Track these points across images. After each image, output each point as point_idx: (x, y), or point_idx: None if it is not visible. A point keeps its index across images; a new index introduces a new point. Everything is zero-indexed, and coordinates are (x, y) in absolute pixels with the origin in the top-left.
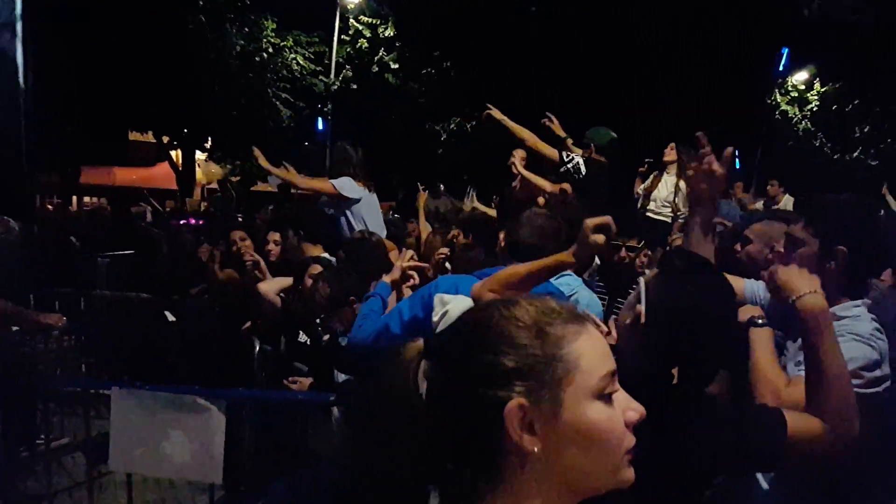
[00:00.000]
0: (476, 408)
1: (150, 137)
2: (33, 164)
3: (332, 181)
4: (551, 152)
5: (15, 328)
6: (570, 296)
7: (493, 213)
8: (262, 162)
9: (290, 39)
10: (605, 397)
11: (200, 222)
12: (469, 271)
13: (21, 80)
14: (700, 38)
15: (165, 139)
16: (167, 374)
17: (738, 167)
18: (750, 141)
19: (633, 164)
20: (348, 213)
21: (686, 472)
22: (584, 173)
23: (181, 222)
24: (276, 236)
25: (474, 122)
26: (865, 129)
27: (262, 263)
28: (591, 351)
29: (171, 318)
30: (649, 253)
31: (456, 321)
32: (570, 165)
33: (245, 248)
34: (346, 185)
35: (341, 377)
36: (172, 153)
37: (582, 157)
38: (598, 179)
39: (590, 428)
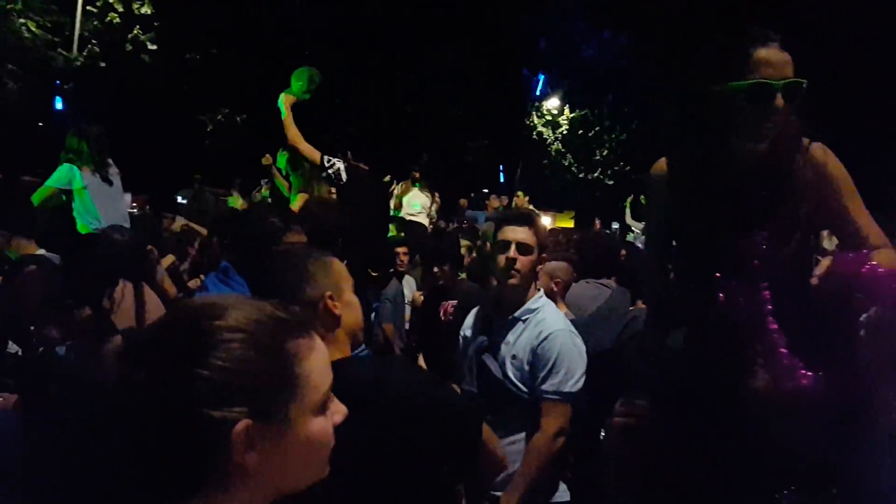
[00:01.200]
0: (193, 428)
1: None
2: None
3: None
4: (313, 154)
5: None
6: None
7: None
8: None
9: (19, 2)
10: (325, 409)
11: None
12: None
13: None
14: (468, 64)
15: None
16: None
17: (502, 181)
18: (512, 158)
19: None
20: (77, 200)
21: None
22: (344, 180)
23: None
24: None
25: (245, 115)
26: (604, 153)
27: None
28: (319, 366)
29: None
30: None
31: (162, 327)
32: (331, 171)
33: None
34: (66, 175)
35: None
36: None
37: (343, 163)
38: (358, 186)
39: (313, 442)
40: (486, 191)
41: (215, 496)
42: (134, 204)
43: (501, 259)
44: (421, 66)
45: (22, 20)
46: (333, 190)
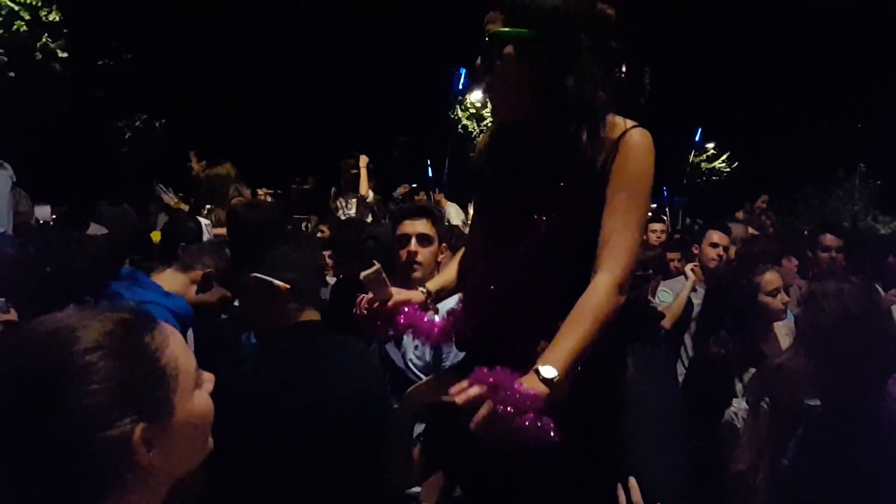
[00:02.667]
0: (92, 452)
1: None
2: None
3: None
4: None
5: None
6: None
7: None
8: None
9: None
10: (199, 384)
11: None
12: None
13: None
14: (394, 59)
15: None
16: None
17: (430, 175)
18: (439, 152)
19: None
20: None
21: None
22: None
23: None
24: None
25: (164, 120)
26: None
27: None
28: (180, 348)
29: None
30: None
31: (17, 369)
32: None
33: None
34: None
35: None
36: None
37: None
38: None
39: (198, 419)
40: (414, 185)
41: (123, 500)
42: (54, 215)
43: (403, 253)
44: (338, 67)
45: None
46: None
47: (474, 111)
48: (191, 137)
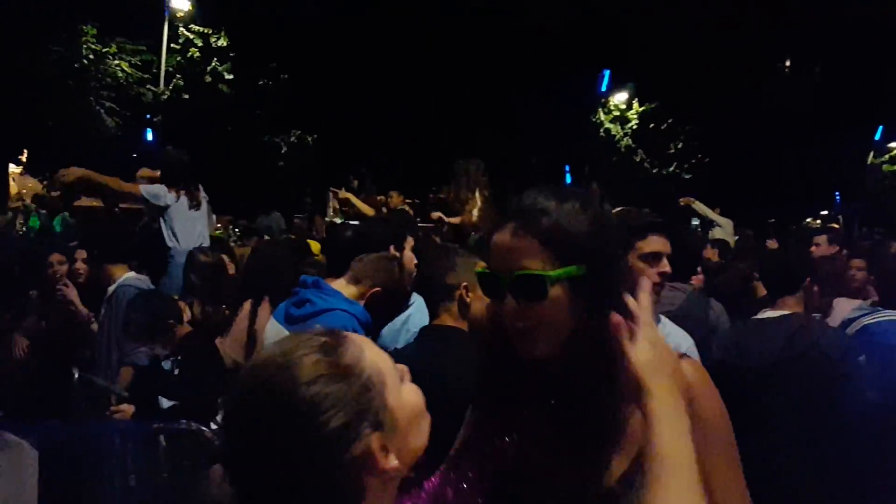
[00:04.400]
0: (335, 474)
1: None
2: None
3: (141, 186)
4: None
5: None
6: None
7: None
8: (74, 174)
9: (114, 46)
10: (402, 379)
11: None
12: None
13: None
14: (529, 61)
15: None
16: None
17: (568, 181)
18: (580, 157)
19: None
20: (161, 221)
21: None
22: None
23: None
24: (84, 254)
25: (315, 136)
26: (679, 146)
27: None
28: (375, 353)
29: None
30: None
31: (249, 418)
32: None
33: (61, 273)
34: (153, 192)
35: (166, 403)
36: None
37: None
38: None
39: (413, 411)
40: None
41: (372, 500)
42: (219, 225)
43: (652, 274)
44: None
45: (116, 62)
46: None
47: (618, 114)
48: (339, 152)
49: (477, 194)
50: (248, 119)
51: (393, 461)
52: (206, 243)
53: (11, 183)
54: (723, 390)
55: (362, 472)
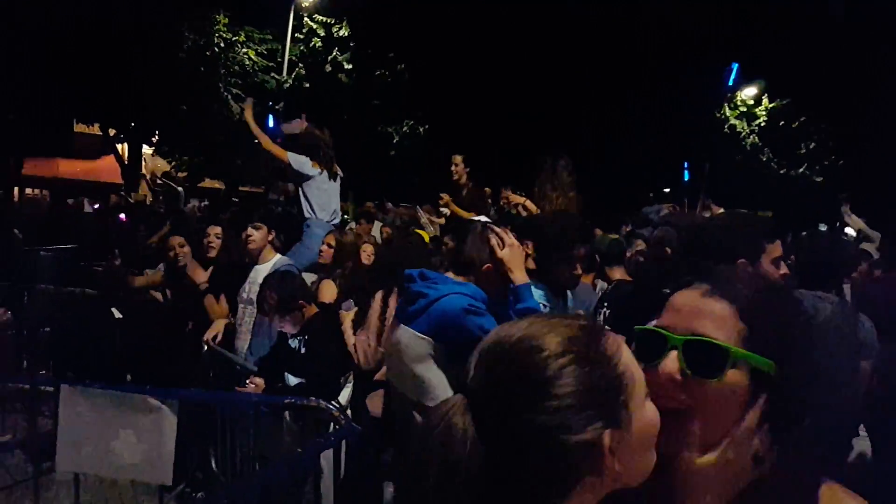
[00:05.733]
0: (558, 454)
1: (95, 130)
2: None
3: (289, 154)
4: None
5: None
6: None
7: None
8: (248, 115)
9: (243, 35)
10: (648, 395)
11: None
12: None
13: None
14: (655, 51)
15: (112, 132)
16: (112, 372)
17: (686, 179)
18: (700, 153)
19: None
20: (301, 192)
21: None
22: None
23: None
24: (217, 230)
25: (427, 126)
26: (811, 146)
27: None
28: (630, 356)
29: (117, 314)
30: None
31: (490, 367)
32: None
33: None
34: (301, 161)
35: (292, 380)
36: (118, 146)
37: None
38: None
39: (651, 428)
40: (667, 190)
41: (582, 500)
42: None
43: None
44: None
45: (245, 50)
46: None
47: (745, 109)
48: (448, 143)
49: (555, 192)
50: (363, 109)
51: (615, 464)
52: (338, 220)
53: (143, 163)
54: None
55: (583, 464)
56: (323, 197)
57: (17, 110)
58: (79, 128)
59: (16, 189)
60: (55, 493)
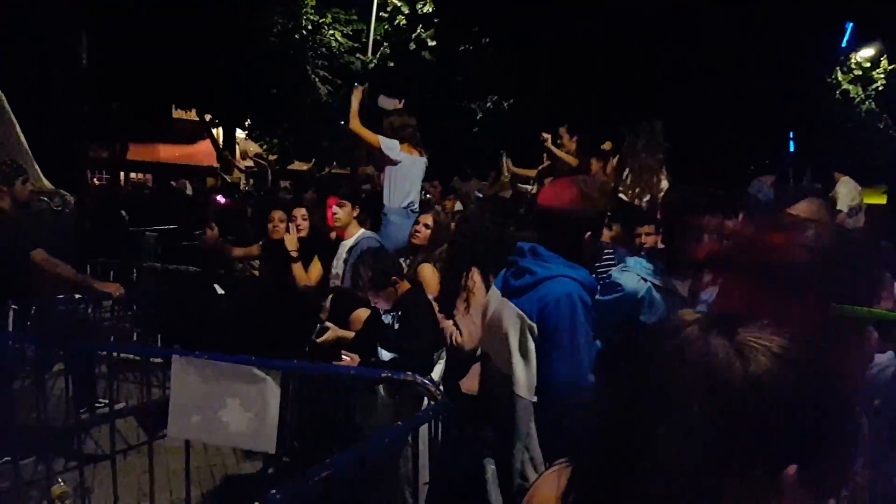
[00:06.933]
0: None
1: (192, 115)
2: (85, 139)
3: (381, 138)
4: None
5: (77, 296)
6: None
7: (532, 172)
8: (356, 100)
9: (329, 16)
10: None
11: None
12: None
13: (84, 59)
14: (759, 11)
15: (207, 117)
16: (216, 345)
17: (791, 150)
18: (809, 121)
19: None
20: (385, 178)
21: None
22: None
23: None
24: (303, 212)
25: (511, 101)
26: None
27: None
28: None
29: (220, 290)
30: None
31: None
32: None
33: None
34: (391, 146)
35: (386, 355)
36: (214, 130)
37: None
38: None
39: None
40: (767, 162)
41: None
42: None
43: None
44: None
45: (331, 31)
46: None
47: (860, 73)
48: (535, 116)
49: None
50: (447, 85)
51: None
52: (416, 207)
53: (237, 146)
54: None
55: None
56: (406, 183)
57: (120, 98)
58: (177, 114)
59: (122, 173)
60: (164, 458)
